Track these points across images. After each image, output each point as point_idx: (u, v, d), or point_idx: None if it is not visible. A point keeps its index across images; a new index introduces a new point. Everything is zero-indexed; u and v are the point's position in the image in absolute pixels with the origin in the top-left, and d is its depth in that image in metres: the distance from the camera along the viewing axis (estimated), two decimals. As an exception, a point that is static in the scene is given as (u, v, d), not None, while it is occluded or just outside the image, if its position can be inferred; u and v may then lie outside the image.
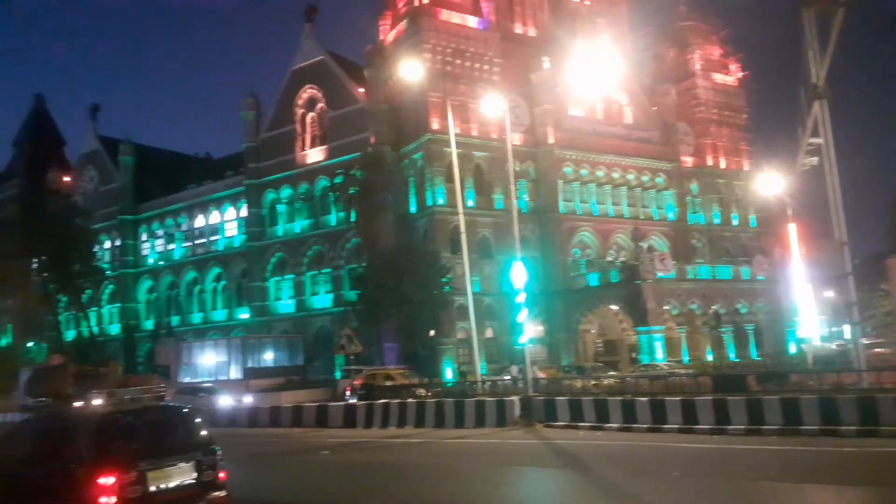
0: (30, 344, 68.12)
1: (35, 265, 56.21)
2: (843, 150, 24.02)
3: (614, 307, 46.18)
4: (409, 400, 24.71)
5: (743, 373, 25.65)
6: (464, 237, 28.72)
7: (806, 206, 29.49)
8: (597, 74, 51.49)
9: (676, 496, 10.98)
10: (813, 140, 22.62)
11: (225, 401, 32.45)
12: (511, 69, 48.64)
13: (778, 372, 25.46)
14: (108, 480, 7.40)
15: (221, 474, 8.44)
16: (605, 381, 25.43)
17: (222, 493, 8.38)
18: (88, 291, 59.86)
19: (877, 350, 36.15)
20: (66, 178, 68.47)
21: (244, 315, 55.41)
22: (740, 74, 62.38)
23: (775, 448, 14.69)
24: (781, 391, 18.40)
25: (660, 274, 43.71)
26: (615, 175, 53.43)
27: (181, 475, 8.03)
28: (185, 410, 9.09)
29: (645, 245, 47.39)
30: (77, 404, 8.55)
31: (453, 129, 29.55)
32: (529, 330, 24.17)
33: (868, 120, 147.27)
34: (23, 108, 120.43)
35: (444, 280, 40.37)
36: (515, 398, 21.58)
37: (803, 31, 22.09)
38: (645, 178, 54.87)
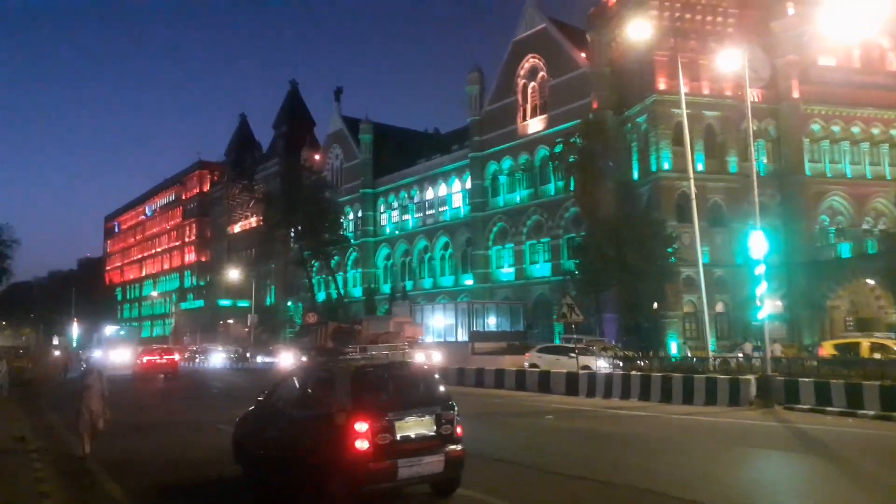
0: (289, 303, 78.18)
1: (292, 234, 64.16)
2: None
3: (870, 281, 40.86)
4: (633, 372, 24.29)
5: None
6: (693, 204, 27.13)
7: None
8: (853, 17, 45.09)
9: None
10: None
11: (601, 363, 28.95)
12: (748, 19, 44.45)
13: None
14: (362, 427, 8.11)
15: (458, 429, 8.84)
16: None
17: (458, 447, 8.76)
18: (336, 258, 67.14)
19: None
20: (317, 156, 76.80)
21: (469, 281, 58.04)
22: None
23: None
24: None
25: (931, 244, 37.92)
26: (875, 131, 46.83)
27: (423, 427, 8.56)
28: (426, 367, 9.83)
29: (912, 211, 41.20)
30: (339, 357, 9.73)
31: (683, 88, 27.90)
32: (769, 305, 22.38)
33: None
34: (281, 94, 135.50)
35: (669, 250, 38.59)
36: (751, 377, 20.24)
37: None
38: (913, 134, 47.46)
